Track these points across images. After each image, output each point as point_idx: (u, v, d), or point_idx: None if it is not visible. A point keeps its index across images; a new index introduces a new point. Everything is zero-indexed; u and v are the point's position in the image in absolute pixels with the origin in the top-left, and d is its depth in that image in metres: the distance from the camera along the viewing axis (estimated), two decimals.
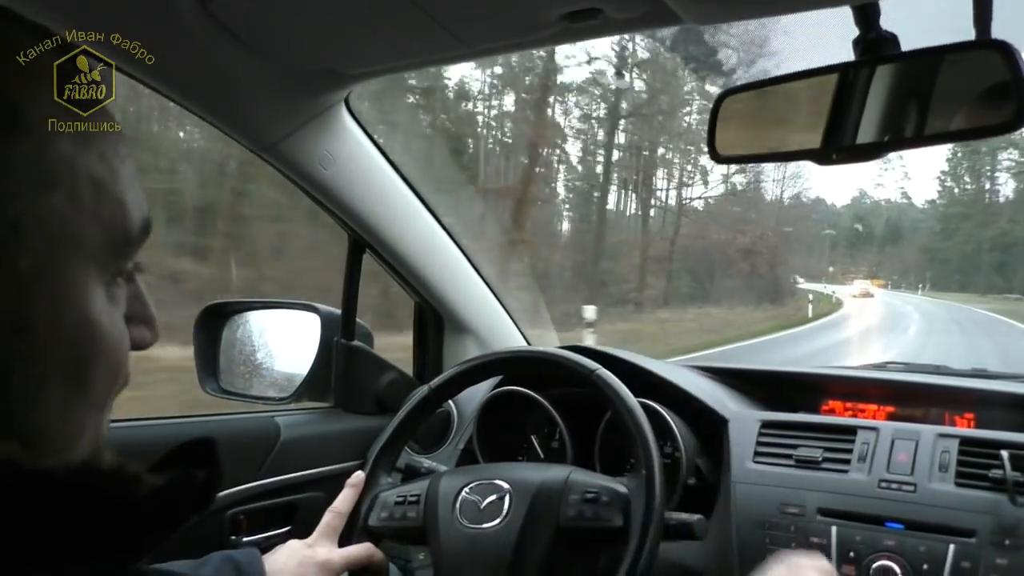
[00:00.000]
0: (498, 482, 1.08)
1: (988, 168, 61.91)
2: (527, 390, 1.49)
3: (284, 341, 1.64)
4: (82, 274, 0.43)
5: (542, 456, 1.54)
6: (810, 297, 29.31)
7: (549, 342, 1.98)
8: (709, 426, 1.36)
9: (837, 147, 1.01)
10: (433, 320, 1.75)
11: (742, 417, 1.35)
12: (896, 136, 0.98)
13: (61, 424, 0.43)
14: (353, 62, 1.16)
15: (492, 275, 1.75)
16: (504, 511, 1.04)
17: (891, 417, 1.39)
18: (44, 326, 0.41)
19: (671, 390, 1.39)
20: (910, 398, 1.40)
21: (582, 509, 1.02)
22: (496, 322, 1.78)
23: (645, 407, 1.11)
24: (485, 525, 1.04)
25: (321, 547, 1.03)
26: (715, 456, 1.34)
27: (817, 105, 1.02)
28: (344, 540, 1.07)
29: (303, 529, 1.32)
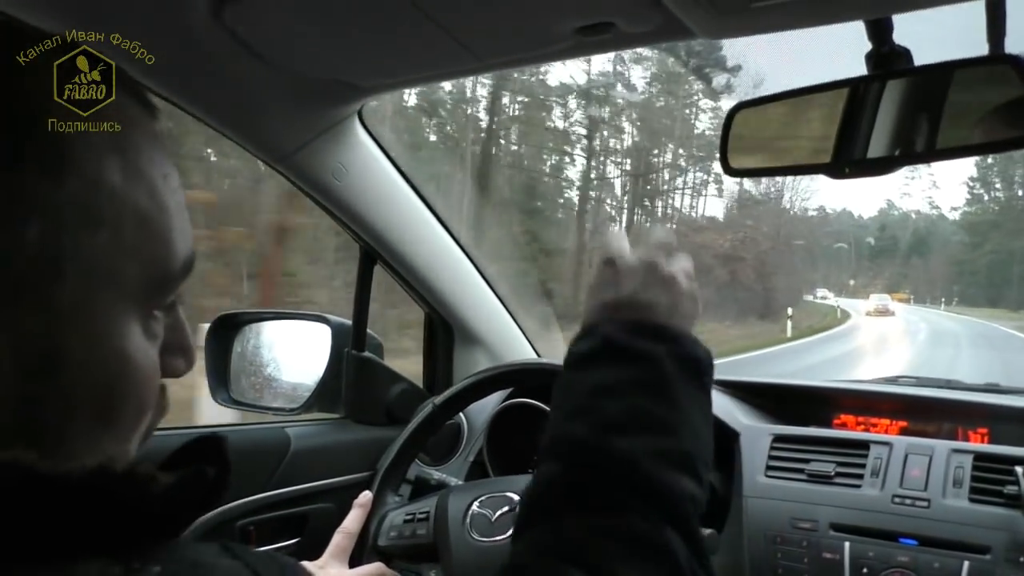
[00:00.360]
0: (508, 494, 1.08)
1: (1021, 174, 58.15)
2: (537, 402, 1.49)
3: (295, 352, 1.64)
4: (119, 311, 0.42)
5: None
6: (790, 312, 25.03)
7: (559, 354, 1.98)
8: (720, 439, 1.33)
9: (849, 161, 1.01)
10: (443, 331, 1.75)
11: (754, 430, 1.35)
12: (907, 150, 0.98)
13: (87, 454, 0.42)
14: (367, 75, 1.16)
15: (503, 287, 1.75)
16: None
17: (904, 432, 1.38)
18: (77, 362, 0.40)
19: None
20: (923, 412, 1.39)
21: None
22: (506, 334, 1.78)
23: None
24: (497, 538, 1.04)
25: (332, 568, 1.03)
26: (726, 470, 1.33)
27: (829, 119, 1.02)
28: (354, 561, 1.07)
29: (313, 540, 1.32)
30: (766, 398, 1.52)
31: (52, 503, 0.38)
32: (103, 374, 0.42)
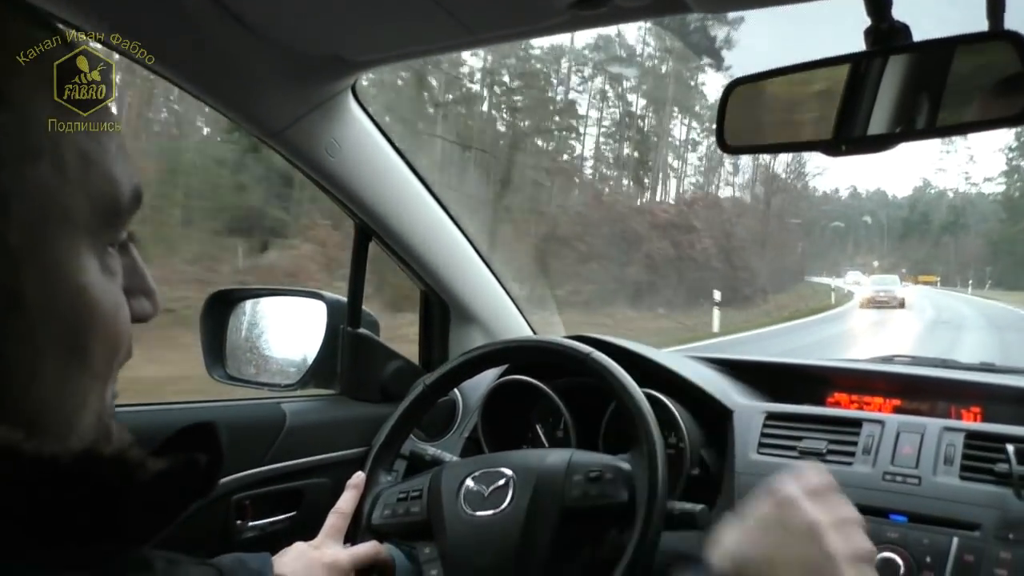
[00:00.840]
0: (501, 469, 1.08)
1: None
2: (531, 379, 1.50)
3: (290, 328, 1.64)
4: (73, 246, 0.43)
5: (547, 445, 1.54)
6: (717, 298, 19.58)
7: (555, 331, 1.98)
8: (713, 417, 1.35)
9: (847, 138, 1.00)
10: (439, 309, 1.75)
11: (747, 408, 1.35)
12: (907, 127, 0.97)
13: (61, 397, 0.43)
14: (360, 49, 1.15)
15: (498, 264, 1.75)
16: (509, 497, 1.05)
17: (897, 410, 1.39)
18: (37, 300, 0.41)
19: (676, 380, 1.39)
20: (916, 391, 1.40)
21: (587, 489, 1.02)
22: (502, 311, 1.78)
23: (649, 397, 1.11)
24: (491, 512, 1.05)
25: (327, 548, 1.04)
26: (719, 447, 1.33)
27: (828, 95, 1.02)
28: (349, 540, 1.08)
29: (308, 515, 1.33)
30: (760, 376, 1.52)
31: (39, 487, 0.38)
32: (65, 309, 0.42)
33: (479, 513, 1.05)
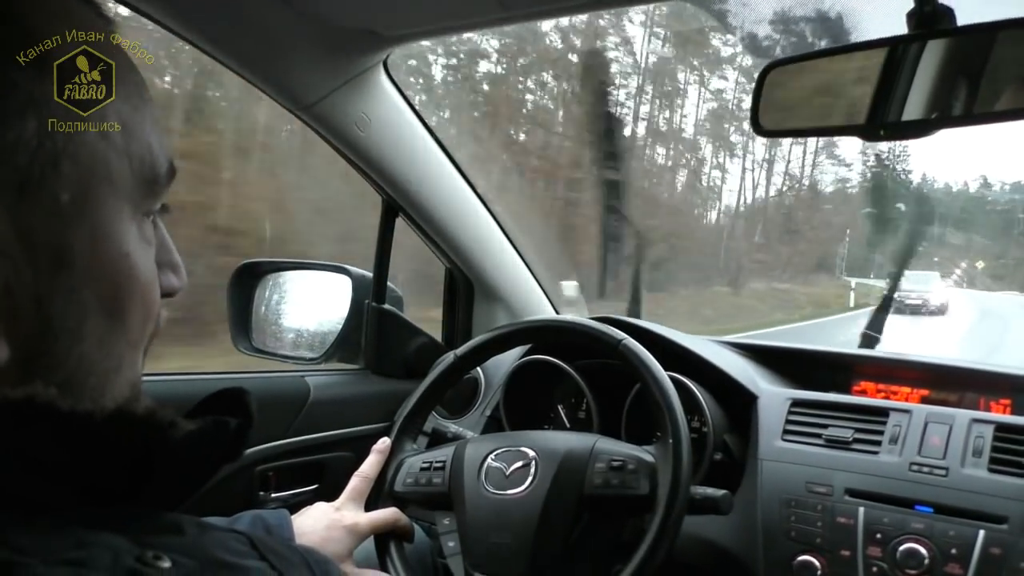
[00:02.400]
0: (524, 449, 1.08)
1: None
2: (556, 360, 1.49)
3: (316, 302, 1.65)
4: (117, 210, 0.44)
5: (568, 426, 1.55)
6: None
7: (579, 313, 1.98)
8: (738, 402, 1.35)
9: (883, 123, 0.98)
10: (464, 286, 1.75)
11: (772, 395, 1.34)
12: (944, 114, 0.96)
13: (101, 357, 0.44)
14: (393, 24, 1.15)
15: (524, 244, 1.74)
16: (530, 478, 1.05)
17: (925, 400, 1.37)
18: (83, 260, 0.42)
19: (701, 365, 1.38)
20: (945, 382, 1.38)
21: (608, 477, 1.02)
22: (526, 291, 1.78)
23: (674, 381, 1.10)
24: (510, 492, 1.05)
25: (348, 511, 1.05)
26: (743, 432, 1.33)
27: (864, 79, 1.00)
28: (370, 504, 1.08)
29: (330, 487, 1.34)
30: (786, 363, 1.51)
31: (73, 444, 0.39)
32: (109, 271, 0.44)
33: (499, 492, 1.05)
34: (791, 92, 1.07)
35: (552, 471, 1.04)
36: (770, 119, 1.06)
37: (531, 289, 1.79)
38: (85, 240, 0.42)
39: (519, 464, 1.07)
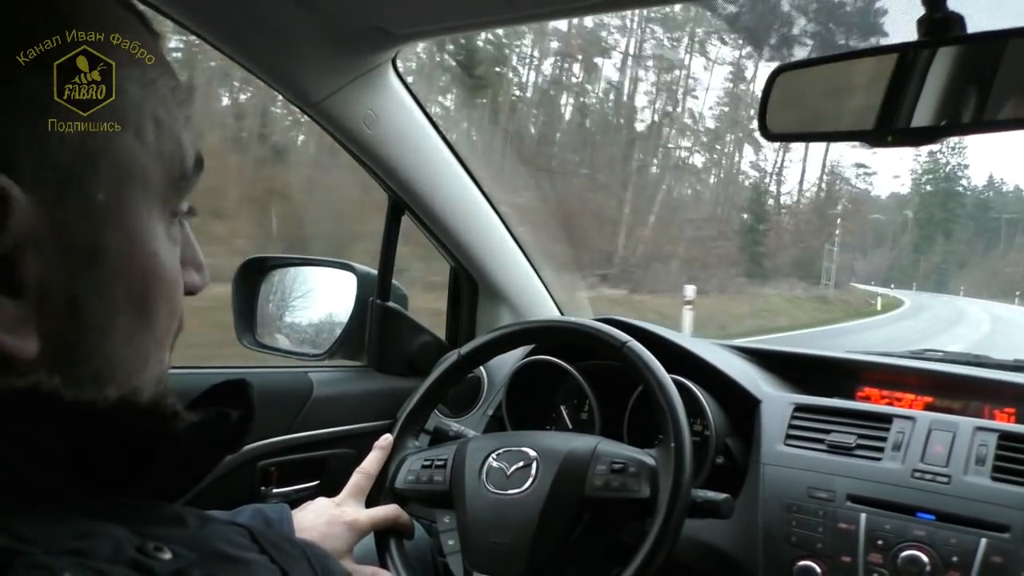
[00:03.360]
0: (525, 450, 1.08)
1: None
2: (558, 360, 1.49)
3: (320, 298, 1.65)
4: (148, 209, 0.45)
5: (570, 427, 1.55)
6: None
7: (582, 313, 1.98)
8: (741, 406, 1.34)
9: (891, 129, 0.98)
10: (468, 285, 1.75)
11: (775, 399, 1.34)
12: (953, 121, 0.95)
13: (128, 354, 0.45)
14: (403, 21, 1.15)
15: (529, 243, 1.74)
16: (530, 478, 1.05)
17: (929, 407, 1.37)
18: (115, 258, 0.43)
19: (704, 368, 1.38)
20: (949, 389, 1.38)
21: (609, 479, 1.02)
22: (530, 290, 1.78)
23: (677, 383, 1.10)
24: (511, 492, 1.05)
25: (348, 507, 1.05)
26: (745, 436, 1.33)
27: (874, 85, 0.99)
28: (371, 501, 1.09)
29: (331, 484, 1.34)
30: (789, 367, 1.51)
31: (75, 432, 0.40)
32: (139, 271, 0.45)
33: (499, 492, 1.05)
34: (799, 96, 1.07)
35: (553, 472, 1.04)
36: (778, 123, 1.06)
37: (536, 289, 1.79)
38: (117, 239, 0.43)
39: (520, 464, 1.07)
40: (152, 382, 0.47)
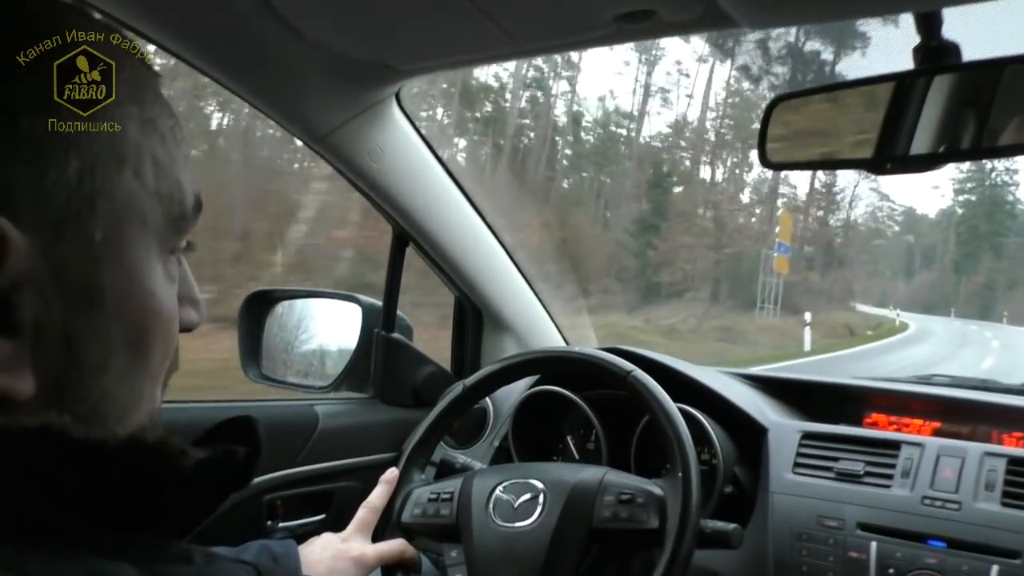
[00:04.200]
0: (532, 481, 1.08)
1: None
2: (564, 390, 1.49)
3: (326, 330, 1.66)
4: (146, 248, 0.46)
5: (577, 457, 1.54)
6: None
7: (588, 343, 1.98)
8: (748, 434, 1.34)
9: (891, 157, 0.99)
10: (473, 316, 1.75)
11: (782, 427, 1.34)
12: (952, 147, 0.96)
13: (123, 391, 0.45)
14: (407, 57, 1.16)
15: (533, 273, 1.75)
16: (538, 511, 1.04)
17: (936, 433, 1.36)
18: (113, 297, 0.43)
19: (710, 396, 1.38)
20: (957, 414, 1.37)
21: (617, 510, 1.02)
22: (535, 320, 1.78)
23: (683, 412, 1.10)
24: (518, 524, 1.04)
25: (355, 541, 1.04)
26: (753, 465, 1.32)
27: (871, 113, 1.01)
28: (377, 535, 1.08)
29: (338, 517, 1.34)
30: (795, 394, 1.50)
31: (84, 471, 0.40)
32: (136, 309, 0.45)
33: (507, 524, 1.05)
34: (798, 125, 1.08)
35: (560, 504, 1.04)
36: (777, 152, 1.07)
37: (540, 319, 1.79)
38: (115, 278, 0.43)
39: (527, 496, 1.07)
40: (145, 417, 0.47)
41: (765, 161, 1.08)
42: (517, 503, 1.06)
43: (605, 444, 1.44)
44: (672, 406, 1.07)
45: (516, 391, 1.56)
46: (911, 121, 0.97)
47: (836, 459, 1.24)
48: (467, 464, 1.25)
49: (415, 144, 1.41)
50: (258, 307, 1.61)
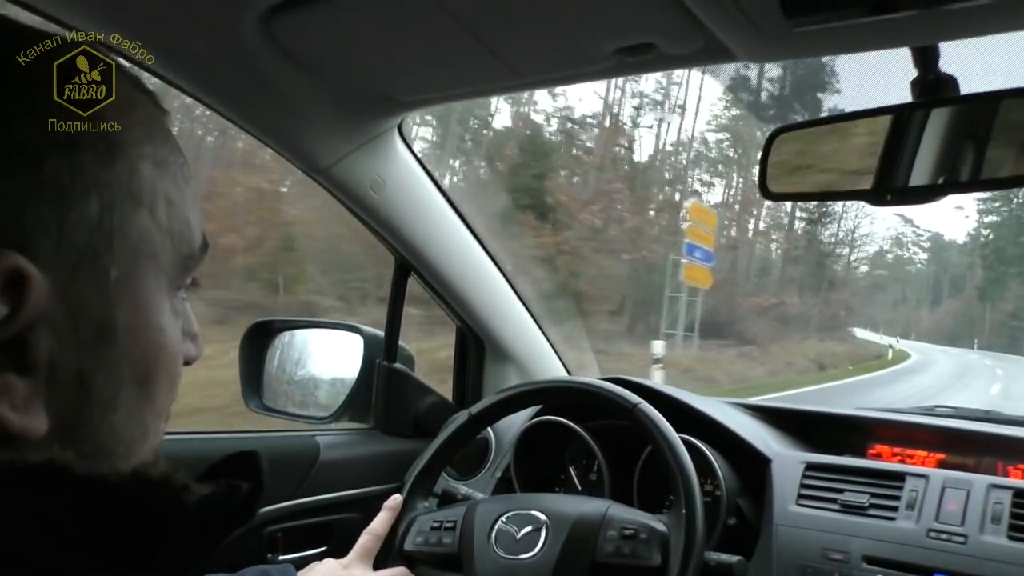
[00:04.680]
0: (535, 513, 1.07)
1: None
2: (566, 420, 1.49)
3: (327, 361, 1.65)
4: (156, 285, 0.46)
5: (579, 488, 1.53)
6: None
7: (590, 372, 1.97)
8: (751, 465, 1.33)
9: (890, 188, 1.00)
10: (475, 345, 1.75)
11: (786, 458, 1.33)
12: (951, 179, 0.97)
13: (130, 427, 0.45)
14: (408, 89, 1.18)
15: (535, 303, 1.75)
16: (540, 543, 1.04)
17: (941, 464, 1.35)
18: (125, 332, 0.44)
19: (713, 427, 1.37)
20: (961, 445, 1.36)
21: (619, 546, 1.01)
22: (538, 350, 1.77)
23: (686, 443, 1.09)
24: (521, 556, 1.03)
25: (356, 568, 1.04)
26: (757, 497, 1.31)
27: (871, 145, 1.01)
28: (379, 563, 1.07)
29: (339, 549, 1.32)
30: (799, 425, 1.50)
31: (87, 506, 0.40)
32: (145, 346, 0.45)
33: (509, 556, 1.04)
34: (798, 157, 1.09)
35: (563, 537, 1.03)
36: (777, 183, 1.08)
37: (543, 349, 1.79)
38: (128, 315, 0.44)
39: (529, 528, 1.06)
40: (150, 452, 0.47)
41: (766, 192, 1.08)
42: (519, 535, 1.06)
43: (607, 475, 1.43)
44: (677, 440, 1.07)
45: (517, 422, 1.56)
46: (910, 153, 0.98)
47: (841, 491, 1.23)
48: (469, 495, 1.25)
49: (416, 175, 1.42)
50: (259, 338, 1.61)
